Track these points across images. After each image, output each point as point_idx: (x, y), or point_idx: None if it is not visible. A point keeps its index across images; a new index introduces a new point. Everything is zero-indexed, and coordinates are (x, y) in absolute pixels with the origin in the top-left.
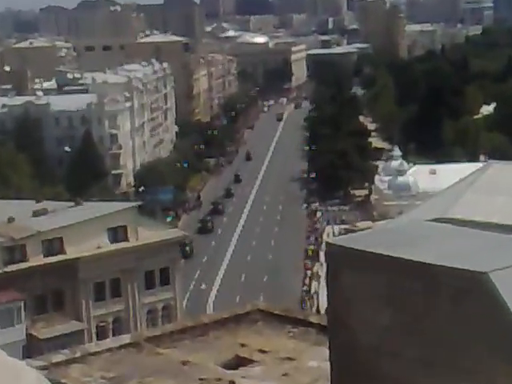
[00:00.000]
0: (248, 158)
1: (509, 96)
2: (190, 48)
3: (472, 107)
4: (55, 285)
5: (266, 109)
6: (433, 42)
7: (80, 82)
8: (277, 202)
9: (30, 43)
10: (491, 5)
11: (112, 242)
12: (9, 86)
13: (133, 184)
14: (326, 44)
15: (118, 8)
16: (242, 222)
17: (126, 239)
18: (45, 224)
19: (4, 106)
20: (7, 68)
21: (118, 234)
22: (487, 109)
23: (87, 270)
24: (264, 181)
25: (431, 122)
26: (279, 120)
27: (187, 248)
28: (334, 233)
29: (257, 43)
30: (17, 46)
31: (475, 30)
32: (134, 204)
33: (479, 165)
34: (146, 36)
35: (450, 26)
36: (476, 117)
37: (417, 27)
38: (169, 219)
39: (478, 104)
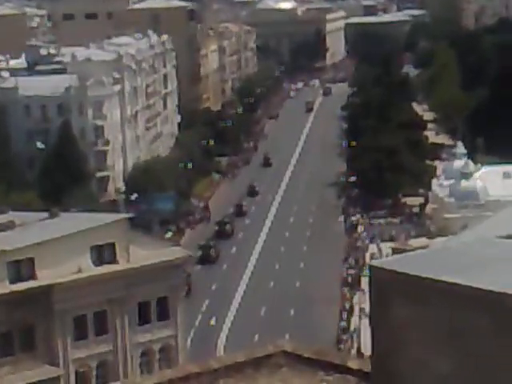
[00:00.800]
0: (266, 163)
1: None
2: (197, 16)
3: None
4: (24, 319)
5: (292, 94)
6: (508, 8)
7: (56, 59)
8: (306, 214)
9: None
10: None
11: (96, 265)
12: None
13: (123, 190)
14: (370, 11)
15: None
16: (261, 238)
17: (114, 261)
18: (11, 241)
19: None
20: None
21: (104, 253)
22: None
23: (65, 301)
24: (290, 186)
25: (505, 111)
26: (309, 111)
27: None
28: (380, 253)
29: (281, 9)
30: None
31: None
32: (124, 216)
33: None
34: (141, 1)
35: None
36: None
37: None
38: (169, 235)
39: None
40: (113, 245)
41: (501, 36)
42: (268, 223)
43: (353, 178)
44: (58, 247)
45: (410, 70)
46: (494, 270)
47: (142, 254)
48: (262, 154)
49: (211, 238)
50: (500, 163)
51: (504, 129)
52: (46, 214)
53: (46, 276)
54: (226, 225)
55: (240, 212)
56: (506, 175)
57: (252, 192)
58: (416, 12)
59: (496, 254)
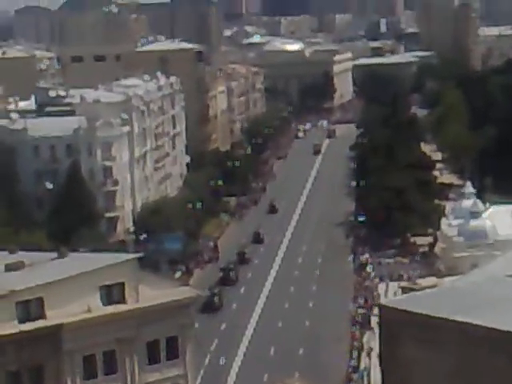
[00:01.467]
0: (272, 210)
1: None
2: (205, 58)
3: None
4: (33, 359)
5: (301, 134)
6: None
7: (65, 101)
8: (316, 253)
9: (3, 53)
10: None
11: (106, 304)
12: None
13: (132, 230)
14: (377, 52)
15: (114, 8)
16: (271, 277)
17: (123, 300)
18: (20, 281)
19: None
20: None
21: (113, 293)
22: None
23: (74, 340)
24: (299, 226)
25: None
26: (316, 153)
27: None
28: (389, 292)
29: (289, 51)
30: None
31: None
32: (133, 256)
33: None
34: (149, 43)
35: None
36: None
37: (494, 30)
38: (178, 275)
39: None
40: (122, 284)
41: (508, 77)
42: (277, 263)
43: (361, 218)
44: (67, 287)
45: (417, 111)
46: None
47: (151, 293)
48: (269, 197)
49: (215, 285)
50: (508, 202)
51: (511, 168)
52: (54, 254)
53: (55, 316)
54: (230, 271)
55: (243, 260)
56: None
57: (257, 239)
58: (423, 53)
59: (506, 294)
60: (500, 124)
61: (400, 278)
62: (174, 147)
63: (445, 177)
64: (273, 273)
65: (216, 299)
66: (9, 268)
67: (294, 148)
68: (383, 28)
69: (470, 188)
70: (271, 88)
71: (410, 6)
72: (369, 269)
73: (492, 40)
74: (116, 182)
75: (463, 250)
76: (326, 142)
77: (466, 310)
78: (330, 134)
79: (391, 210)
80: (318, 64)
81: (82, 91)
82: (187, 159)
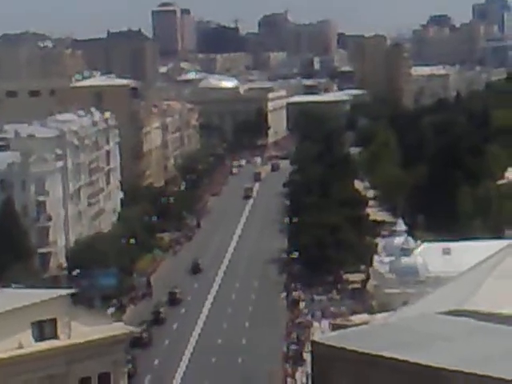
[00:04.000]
0: (195, 270)
1: None
2: (140, 94)
3: (495, 170)
4: None
5: (235, 170)
6: (445, 89)
7: None
8: (249, 290)
9: None
10: None
11: (37, 341)
12: None
13: (65, 266)
14: (311, 90)
15: (49, 43)
16: (203, 315)
17: (55, 336)
18: None
19: None
20: None
21: (45, 329)
22: None
23: (5, 376)
24: (233, 263)
25: (444, 188)
26: (247, 195)
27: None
28: (322, 329)
29: (224, 88)
30: None
31: (498, 74)
32: (66, 292)
33: (504, 243)
34: (84, 78)
35: (467, 69)
36: (499, 182)
37: (425, 70)
38: (111, 311)
39: (503, 166)
40: (54, 321)
41: (439, 116)
42: (210, 300)
43: (294, 254)
44: None
45: (350, 149)
46: (435, 346)
47: (83, 329)
48: (206, 229)
49: (144, 323)
50: (439, 240)
51: (442, 206)
52: None
53: None
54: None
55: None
56: (446, 251)
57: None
58: (356, 92)
59: (435, 330)
60: (431, 162)
61: (332, 315)
62: (108, 183)
63: (377, 214)
64: (205, 309)
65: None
66: None
67: (229, 184)
68: (317, 66)
69: (401, 225)
70: (206, 124)
71: (344, 45)
72: (301, 305)
73: (423, 79)
74: (49, 218)
75: (395, 287)
76: (265, 173)
77: (397, 346)
78: (274, 167)
79: (324, 247)
80: (252, 101)
81: (16, 126)
82: (121, 195)
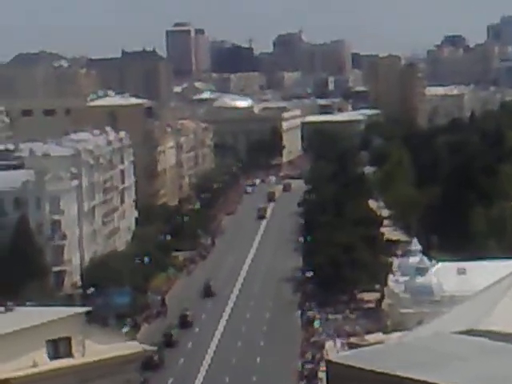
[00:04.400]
0: (207, 293)
1: None
2: (154, 113)
3: (509, 190)
4: None
5: (249, 189)
6: (459, 109)
7: (14, 154)
8: (263, 309)
9: None
10: None
11: (52, 359)
12: None
13: (80, 284)
14: (325, 109)
15: (64, 63)
16: (218, 333)
17: (70, 355)
18: None
19: None
20: None
21: (59, 348)
22: None
23: None
24: (247, 281)
25: (458, 208)
26: (261, 215)
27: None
28: (336, 348)
29: (238, 108)
30: None
31: None
32: (80, 310)
33: None
34: (99, 98)
35: (481, 89)
36: None
37: (439, 90)
38: (125, 329)
39: None
40: (69, 339)
41: (453, 136)
42: (224, 318)
43: (309, 273)
44: (13, 341)
45: (365, 168)
46: (450, 366)
47: (97, 348)
48: (221, 247)
49: (155, 345)
50: (454, 260)
51: (456, 226)
52: (1, 308)
53: (0, 370)
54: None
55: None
56: (461, 271)
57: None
58: (371, 112)
59: (450, 350)
60: (445, 182)
61: (347, 334)
62: (122, 201)
63: (392, 233)
64: (221, 327)
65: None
66: None
67: (243, 203)
68: (331, 86)
69: (416, 245)
70: (220, 144)
71: (358, 65)
72: (316, 324)
73: (438, 99)
74: (64, 236)
75: (410, 307)
76: (280, 193)
77: (412, 365)
78: (286, 188)
79: (339, 266)
80: (266, 121)
81: (31, 145)
82: (136, 213)
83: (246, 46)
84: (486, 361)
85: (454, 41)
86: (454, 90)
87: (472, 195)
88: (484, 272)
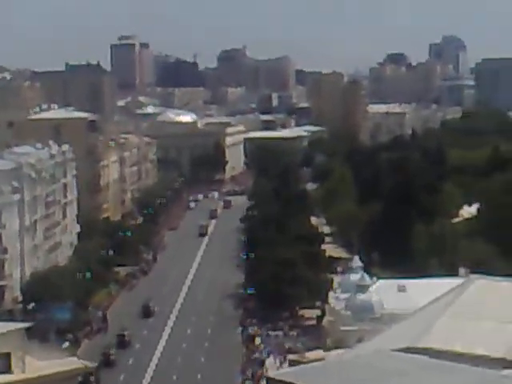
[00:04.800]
0: (146, 314)
1: (495, 195)
2: (98, 127)
3: (449, 208)
4: None
5: (192, 205)
6: (401, 127)
7: None
8: (205, 325)
9: None
10: (472, 83)
11: None
12: None
13: (20, 299)
14: (269, 125)
15: (7, 75)
16: (158, 350)
17: (9, 371)
18: None
19: None
20: None
21: None
22: (468, 210)
23: None
24: (189, 297)
25: (399, 225)
26: (202, 232)
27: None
28: (277, 365)
29: (182, 122)
30: None
31: (453, 113)
32: (21, 325)
33: (459, 281)
34: (42, 111)
35: (423, 107)
36: (455, 220)
37: (382, 108)
38: (65, 345)
39: (457, 204)
40: (8, 355)
41: (394, 153)
42: (165, 335)
43: (250, 290)
44: None
45: (307, 185)
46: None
47: (37, 364)
48: (162, 264)
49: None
50: (395, 277)
51: (397, 243)
52: None
53: None
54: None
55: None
56: (401, 289)
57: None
58: (314, 128)
59: (390, 367)
60: (387, 199)
61: (288, 351)
62: (64, 216)
63: (333, 250)
64: (161, 344)
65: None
66: None
67: (186, 219)
68: (275, 102)
69: (357, 262)
70: (163, 158)
71: (302, 82)
72: (257, 341)
73: (380, 117)
74: (5, 250)
75: (350, 324)
76: (219, 212)
77: (352, 383)
78: (226, 205)
79: (280, 282)
80: (210, 136)
81: None
82: (78, 228)
83: (191, 60)
84: (425, 378)
85: (396, 59)
86: (396, 108)
87: (413, 212)
88: (424, 289)
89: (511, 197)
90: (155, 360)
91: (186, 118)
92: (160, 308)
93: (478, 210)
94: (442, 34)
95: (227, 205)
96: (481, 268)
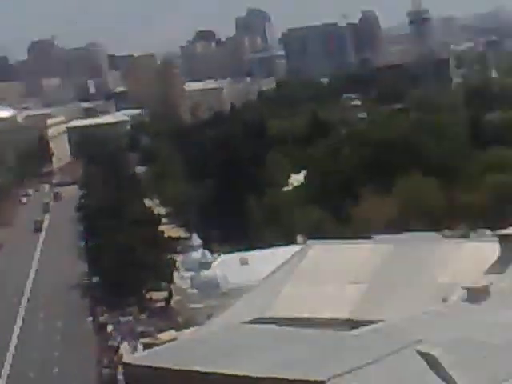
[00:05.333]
0: None
1: (319, 161)
2: None
3: (278, 178)
4: None
5: (24, 200)
6: (220, 102)
7: None
8: (55, 319)
9: None
10: (282, 53)
11: None
12: None
13: None
14: (90, 113)
15: None
16: (11, 349)
17: None
18: None
19: None
20: None
21: None
22: (297, 178)
23: None
24: (35, 293)
25: (232, 200)
26: (37, 227)
27: None
28: (131, 350)
29: (1, 118)
30: None
31: (268, 84)
32: None
33: (297, 247)
34: None
35: (238, 81)
36: (285, 189)
37: (199, 85)
38: None
39: (285, 173)
40: None
41: (217, 129)
42: (16, 333)
43: (96, 278)
44: None
45: (136, 168)
46: (244, 355)
47: None
48: None
49: None
50: (235, 251)
51: (233, 218)
52: None
53: None
54: None
55: None
56: (243, 262)
57: None
58: (134, 111)
59: (242, 340)
60: (216, 175)
61: (140, 335)
62: None
63: (172, 231)
64: (13, 343)
65: None
66: None
67: (19, 215)
68: (92, 89)
69: (196, 240)
70: None
71: (115, 67)
72: (109, 328)
73: (198, 94)
74: None
75: (198, 301)
76: (52, 204)
77: (207, 359)
78: (56, 197)
79: (123, 268)
80: (32, 129)
81: None
82: None
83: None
84: (277, 347)
85: (205, 36)
86: (212, 84)
87: (243, 186)
88: (266, 260)
89: (335, 161)
90: (9, 361)
91: (4, 113)
92: (5, 308)
93: (305, 177)
94: (246, 7)
95: (57, 197)
96: (316, 233)
